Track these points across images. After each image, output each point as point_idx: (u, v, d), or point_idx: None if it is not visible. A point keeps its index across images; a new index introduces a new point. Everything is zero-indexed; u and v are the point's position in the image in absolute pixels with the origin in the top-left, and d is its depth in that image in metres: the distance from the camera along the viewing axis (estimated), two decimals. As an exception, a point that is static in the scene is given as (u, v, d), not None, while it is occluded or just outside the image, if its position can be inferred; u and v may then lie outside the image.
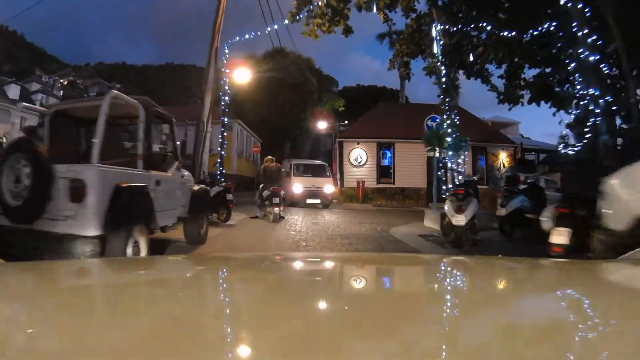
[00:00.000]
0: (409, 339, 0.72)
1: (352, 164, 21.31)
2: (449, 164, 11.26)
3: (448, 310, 0.93)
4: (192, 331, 0.72)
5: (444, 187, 11.47)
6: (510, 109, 15.91)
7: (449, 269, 1.56)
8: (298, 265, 1.64)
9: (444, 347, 0.68)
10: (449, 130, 11.07)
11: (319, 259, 1.97)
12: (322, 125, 34.87)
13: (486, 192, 17.83)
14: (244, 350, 0.65)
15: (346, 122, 36.32)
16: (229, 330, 0.75)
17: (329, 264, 1.70)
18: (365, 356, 0.63)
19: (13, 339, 0.67)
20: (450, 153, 11.27)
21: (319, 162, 20.14)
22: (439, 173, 11.93)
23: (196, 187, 7.15)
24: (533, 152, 29.51)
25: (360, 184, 20.46)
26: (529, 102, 13.51)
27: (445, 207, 7.74)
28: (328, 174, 18.47)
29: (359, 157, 21.36)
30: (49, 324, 0.76)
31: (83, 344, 0.64)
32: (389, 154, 22.14)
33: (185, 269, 1.50)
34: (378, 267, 1.66)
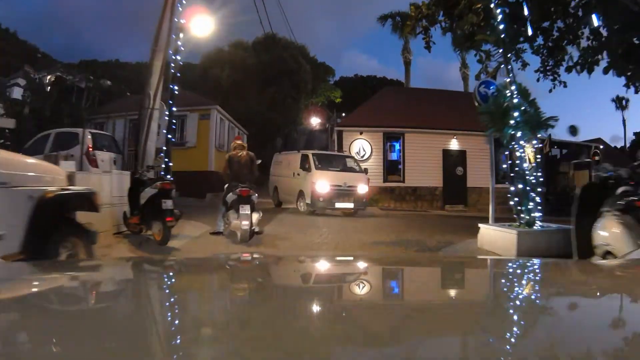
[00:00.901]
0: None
1: (354, 157, 17.52)
2: (518, 152, 7.47)
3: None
4: (190, 331, 0.74)
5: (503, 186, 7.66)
6: (550, 91, 12.76)
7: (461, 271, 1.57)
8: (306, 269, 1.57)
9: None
10: (515, 101, 7.30)
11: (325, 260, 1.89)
12: (316, 120, 31.27)
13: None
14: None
15: (343, 114, 32.64)
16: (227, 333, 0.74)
17: (331, 266, 1.64)
18: None
19: (13, 339, 0.67)
20: (518, 135, 7.52)
21: (343, 153, 16.64)
22: (503, 167, 7.94)
23: (51, 193, 3.35)
24: (555, 147, 25.87)
25: (365, 182, 16.76)
26: (606, 71, 9.94)
27: (605, 231, 3.94)
28: (358, 168, 14.73)
29: (362, 149, 17.59)
30: (49, 324, 0.76)
31: (83, 343, 0.65)
32: (397, 147, 18.41)
33: (185, 270, 1.49)
34: (390, 269, 1.63)
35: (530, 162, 21.61)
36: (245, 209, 7.13)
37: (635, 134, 45.27)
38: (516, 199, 7.08)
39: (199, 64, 33.03)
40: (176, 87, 9.41)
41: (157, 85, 9.79)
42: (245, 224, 7.07)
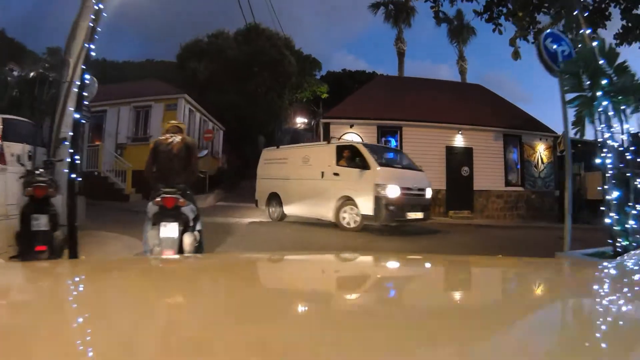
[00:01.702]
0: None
1: (343, 155, 14.86)
2: (623, 136, 4.54)
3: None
4: (188, 331, 0.72)
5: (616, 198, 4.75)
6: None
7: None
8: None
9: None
10: (601, 62, 4.49)
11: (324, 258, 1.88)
12: (302, 119, 28.63)
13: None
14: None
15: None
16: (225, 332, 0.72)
17: (331, 264, 1.64)
18: None
19: (13, 339, 0.67)
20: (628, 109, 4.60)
21: (393, 146, 14.14)
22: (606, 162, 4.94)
23: None
24: (579, 145, 23.47)
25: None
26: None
27: None
28: (416, 165, 11.64)
29: (353, 145, 14.89)
30: (48, 323, 0.76)
31: (82, 343, 0.66)
32: (393, 142, 15.75)
33: (184, 268, 1.50)
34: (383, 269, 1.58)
35: (542, 161, 18.72)
36: (169, 229, 4.35)
37: None
38: (614, 214, 4.26)
39: (177, 56, 30.37)
40: (93, 49, 6.46)
41: (80, 54, 6.93)
42: (168, 252, 4.28)
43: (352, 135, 14.87)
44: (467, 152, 16.44)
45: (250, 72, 26.99)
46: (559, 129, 20.88)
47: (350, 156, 10.39)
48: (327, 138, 14.58)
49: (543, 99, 56.90)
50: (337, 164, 10.42)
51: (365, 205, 9.67)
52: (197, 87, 26.75)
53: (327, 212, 10.35)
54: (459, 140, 16.35)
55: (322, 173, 10.59)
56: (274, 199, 12.02)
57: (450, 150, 16.11)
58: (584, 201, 19.11)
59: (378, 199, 9.52)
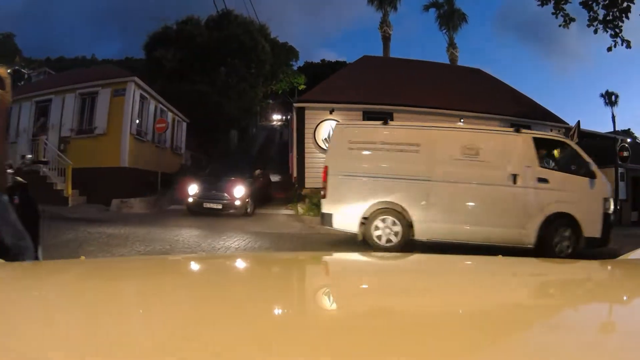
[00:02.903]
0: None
1: (322, 146, 12.04)
2: None
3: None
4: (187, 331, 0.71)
5: None
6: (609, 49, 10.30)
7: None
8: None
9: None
10: None
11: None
12: (278, 116, 26.13)
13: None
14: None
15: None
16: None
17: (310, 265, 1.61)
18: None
19: (13, 339, 0.67)
20: None
21: None
22: None
23: None
24: (598, 138, 21.04)
25: (336, 183, 11.29)
26: None
27: None
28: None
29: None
30: (48, 324, 0.76)
31: (82, 343, 0.66)
32: (383, 132, 13.05)
33: (183, 269, 1.50)
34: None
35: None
36: None
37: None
38: None
39: (143, 46, 27.58)
40: None
41: None
42: None
43: (333, 124, 12.09)
44: (470, 144, 13.78)
45: (220, 59, 24.30)
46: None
47: (563, 156, 7.61)
48: (302, 127, 11.90)
49: (537, 95, 54.87)
50: (541, 165, 7.20)
51: (591, 227, 6.94)
52: (163, 76, 24.02)
53: (520, 234, 7.01)
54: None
55: (514, 176, 7.03)
56: (386, 212, 7.31)
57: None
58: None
59: (606, 218, 6.96)
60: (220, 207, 10.95)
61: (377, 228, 7.23)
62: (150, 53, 26.58)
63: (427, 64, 17.51)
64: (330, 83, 13.59)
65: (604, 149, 19.52)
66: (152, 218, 10.87)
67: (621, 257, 1.54)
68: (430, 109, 13.05)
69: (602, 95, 48.31)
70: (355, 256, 1.93)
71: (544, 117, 16.17)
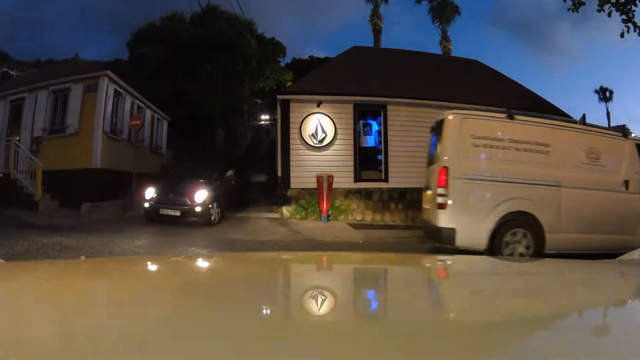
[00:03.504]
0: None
1: (308, 142, 10.97)
2: None
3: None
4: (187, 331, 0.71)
5: None
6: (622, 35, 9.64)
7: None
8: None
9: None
10: None
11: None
12: (265, 116, 25.23)
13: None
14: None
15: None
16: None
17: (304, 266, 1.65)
18: None
19: (13, 339, 0.67)
20: None
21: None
22: None
23: None
24: None
25: (325, 182, 10.21)
26: None
27: None
28: None
29: (320, 130, 11.00)
30: (48, 324, 0.77)
31: (82, 343, 0.66)
32: (375, 126, 11.98)
33: (185, 269, 1.50)
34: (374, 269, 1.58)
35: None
36: None
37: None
38: None
39: (127, 44, 26.51)
40: None
41: None
42: None
43: (320, 117, 11.03)
44: (470, 139, 12.76)
45: (205, 56, 23.19)
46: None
47: None
48: (286, 121, 10.80)
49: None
50: None
51: None
52: (145, 74, 22.91)
53: (633, 240, 6.25)
54: (459, 124, 12.64)
55: (626, 182, 6.61)
56: (517, 223, 6.21)
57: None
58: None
59: None
60: (178, 214, 9.29)
61: (507, 244, 6.11)
62: (133, 51, 25.57)
63: (422, 54, 16.48)
64: (317, 74, 12.52)
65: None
66: (121, 224, 9.75)
67: (621, 257, 1.49)
68: (428, 101, 12.00)
69: (596, 92, 47.69)
70: (353, 256, 2.09)
71: (549, 110, 15.18)
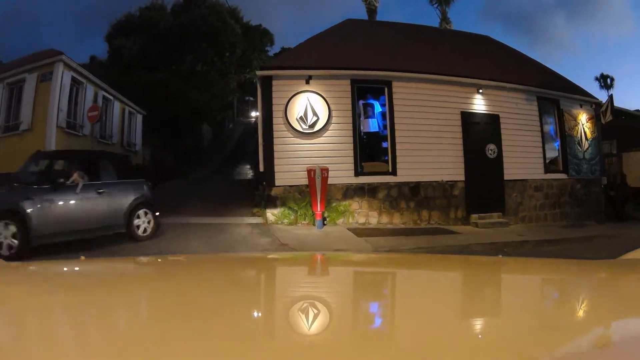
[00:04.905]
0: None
1: (296, 128, 8.72)
2: None
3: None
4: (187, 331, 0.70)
5: None
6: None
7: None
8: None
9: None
10: None
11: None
12: (256, 113, 23.70)
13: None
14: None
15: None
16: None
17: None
18: None
19: (13, 338, 0.67)
20: None
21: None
22: None
23: None
24: (623, 117, 17.74)
25: (318, 178, 8.03)
26: None
27: None
28: None
29: (310, 112, 8.75)
30: (48, 323, 0.76)
31: (82, 343, 0.66)
32: (378, 108, 9.79)
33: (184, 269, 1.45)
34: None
35: (585, 136, 13.30)
36: None
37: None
38: None
39: (105, 37, 24.57)
40: None
41: None
42: None
43: (310, 97, 8.82)
44: (493, 122, 10.65)
45: (186, 45, 21.21)
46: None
47: None
48: (268, 103, 8.67)
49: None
50: None
51: None
52: (122, 67, 20.94)
53: None
54: (479, 104, 10.51)
55: None
56: None
57: (468, 119, 10.23)
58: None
59: None
60: None
61: None
62: (111, 44, 23.68)
63: (425, 28, 14.27)
64: (305, 47, 10.27)
65: (633, 129, 16.46)
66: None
67: (621, 257, 1.46)
68: (440, 76, 9.84)
69: (597, 79, 45.55)
70: (351, 256, 2.20)
71: (571, 90, 13.03)
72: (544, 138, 11.73)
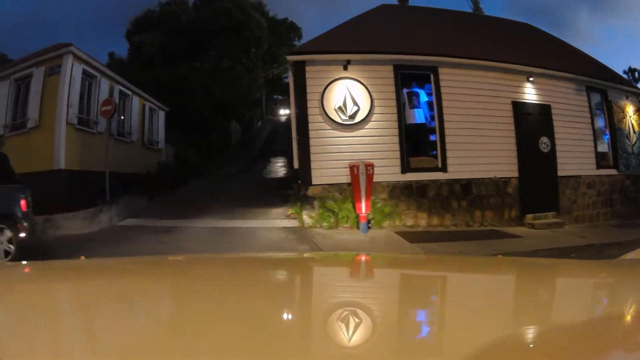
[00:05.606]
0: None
1: (334, 119, 7.74)
2: None
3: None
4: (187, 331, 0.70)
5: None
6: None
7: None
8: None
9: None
10: None
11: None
12: (286, 110, 23.17)
13: None
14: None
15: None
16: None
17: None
18: None
19: (13, 338, 0.66)
20: None
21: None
22: None
23: None
24: None
25: (363, 175, 7.06)
26: None
27: None
28: None
29: (349, 101, 7.77)
30: (48, 323, 0.75)
31: (82, 343, 0.65)
32: (423, 97, 8.80)
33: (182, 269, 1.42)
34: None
35: (633, 129, 12.37)
36: None
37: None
38: None
39: (124, 34, 24.14)
40: None
41: None
42: None
43: (349, 84, 7.85)
44: (544, 113, 9.66)
45: (209, 40, 20.40)
46: None
47: None
48: (302, 92, 7.72)
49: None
50: None
51: None
52: (142, 63, 20.22)
53: None
54: (530, 93, 9.51)
55: None
56: None
57: (520, 109, 9.22)
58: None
59: None
60: None
61: None
62: (130, 41, 23.11)
63: (462, 13, 13.29)
64: (340, 31, 9.29)
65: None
66: (74, 245, 6.79)
67: (621, 257, 1.44)
68: (489, 62, 8.86)
69: (625, 72, 44.24)
70: (394, 257, 2.00)
71: (618, 80, 12.04)
72: (595, 131, 10.75)
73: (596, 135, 10.78)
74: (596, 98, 11.11)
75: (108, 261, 2.02)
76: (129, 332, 0.69)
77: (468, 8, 23.79)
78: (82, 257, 1.47)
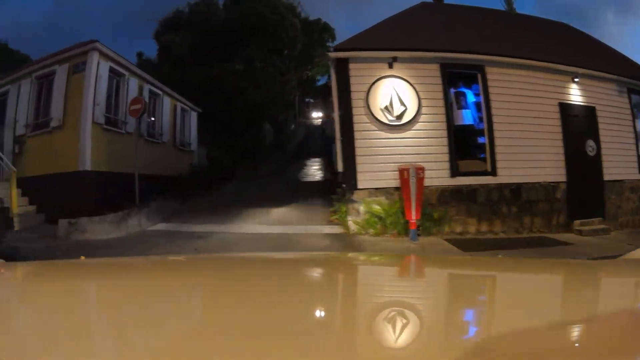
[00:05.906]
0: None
1: (381, 120, 7.40)
2: None
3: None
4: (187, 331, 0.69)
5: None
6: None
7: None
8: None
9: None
10: None
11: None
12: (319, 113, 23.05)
13: None
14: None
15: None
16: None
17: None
18: None
19: (13, 338, 0.65)
20: None
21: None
22: None
23: None
24: None
25: (413, 178, 6.70)
26: None
27: None
28: None
29: (396, 101, 7.44)
30: (48, 323, 0.74)
31: (82, 343, 0.64)
32: (470, 97, 8.43)
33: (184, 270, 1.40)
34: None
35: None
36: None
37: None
38: None
39: (153, 34, 23.93)
40: None
41: None
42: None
43: (395, 83, 7.51)
44: (589, 115, 9.28)
45: (241, 40, 20.08)
46: None
47: None
48: (346, 91, 7.37)
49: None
50: None
51: None
52: (172, 63, 19.96)
53: None
54: (575, 95, 9.13)
55: None
56: None
57: (567, 111, 8.84)
58: None
59: None
60: None
61: None
62: (160, 41, 22.92)
63: (500, 12, 12.95)
64: (383, 26, 8.94)
65: None
66: (98, 251, 6.49)
67: (621, 257, 1.43)
68: (536, 62, 8.48)
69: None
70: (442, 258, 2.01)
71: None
72: (637, 134, 10.37)
73: (638, 138, 10.41)
74: (637, 99, 10.76)
75: (108, 261, 2.03)
76: (129, 332, 0.68)
77: (500, 6, 23.48)
78: (82, 257, 1.43)
